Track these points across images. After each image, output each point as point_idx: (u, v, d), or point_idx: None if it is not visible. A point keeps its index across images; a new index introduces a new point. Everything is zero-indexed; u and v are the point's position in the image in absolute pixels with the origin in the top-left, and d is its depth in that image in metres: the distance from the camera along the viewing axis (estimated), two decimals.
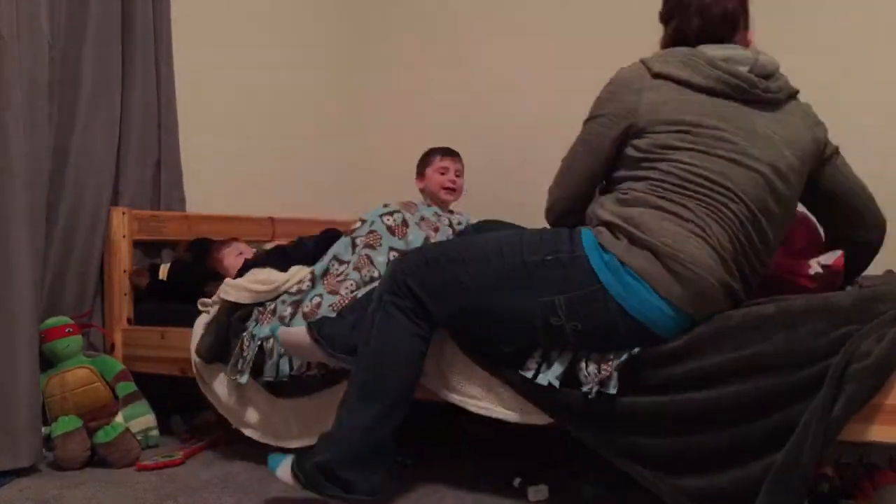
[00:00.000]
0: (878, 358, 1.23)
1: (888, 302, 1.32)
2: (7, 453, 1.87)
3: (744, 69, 1.47)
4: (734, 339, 1.34)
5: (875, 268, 1.72)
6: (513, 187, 2.99)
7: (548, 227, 1.65)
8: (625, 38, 2.88)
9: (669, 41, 1.58)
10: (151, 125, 2.58)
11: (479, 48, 3.24)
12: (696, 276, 1.39)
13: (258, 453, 2.05)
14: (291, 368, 1.84)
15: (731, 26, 1.53)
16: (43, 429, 1.99)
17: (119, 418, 2.08)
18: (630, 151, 1.50)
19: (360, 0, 3.54)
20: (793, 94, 1.56)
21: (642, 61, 1.52)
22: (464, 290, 1.54)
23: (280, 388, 1.92)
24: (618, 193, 1.50)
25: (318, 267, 1.98)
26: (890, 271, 1.85)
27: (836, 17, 2.45)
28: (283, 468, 1.59)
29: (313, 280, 1.95)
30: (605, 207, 1.50)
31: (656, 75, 1.48)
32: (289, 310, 1.90)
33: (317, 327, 1.68)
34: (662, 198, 1.44)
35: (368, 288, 1.87)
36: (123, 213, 2.44)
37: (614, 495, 1.70)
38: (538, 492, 1.69)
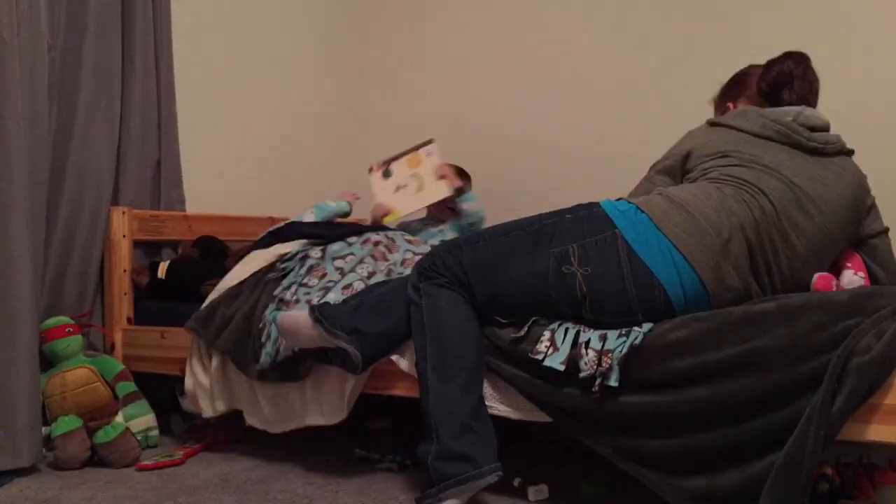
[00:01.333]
0: (878, 353, 1.24)
1: (886, 297, 1.32)
2: (7, 453, 1.87)
3: (788, 118, 1.62)
4: (735, 334, 1.35)
5: None
6: (512, 191, 2.99)
7: None
8: (624, 42, 2.91)
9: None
10: (151, 125, 2.59)
11: (480, 50, 3.24)
12: (701, 226, 1.47)
13: (258, 453, 2.06)
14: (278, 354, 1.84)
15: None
16: (43, 429, 1.99)
17: (119, 418, 2.08)
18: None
19: (360, 1, 3.55)
20: (844, 151, 1.64)
21: (707, 120, 1.75)
22: (485, 262, 1.60)
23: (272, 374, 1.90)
24: None
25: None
26: None
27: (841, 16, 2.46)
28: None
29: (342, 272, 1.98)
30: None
31: (712, 124, 1.72)
32: (316, 298, 1.90)
33: (319, 309, 1.70)
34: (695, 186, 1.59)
35: (378, 279, 1.91)
36: (123, 213, 2.44)
37: (614, 495, 1.70)
38: (538, 492, 1.69)
